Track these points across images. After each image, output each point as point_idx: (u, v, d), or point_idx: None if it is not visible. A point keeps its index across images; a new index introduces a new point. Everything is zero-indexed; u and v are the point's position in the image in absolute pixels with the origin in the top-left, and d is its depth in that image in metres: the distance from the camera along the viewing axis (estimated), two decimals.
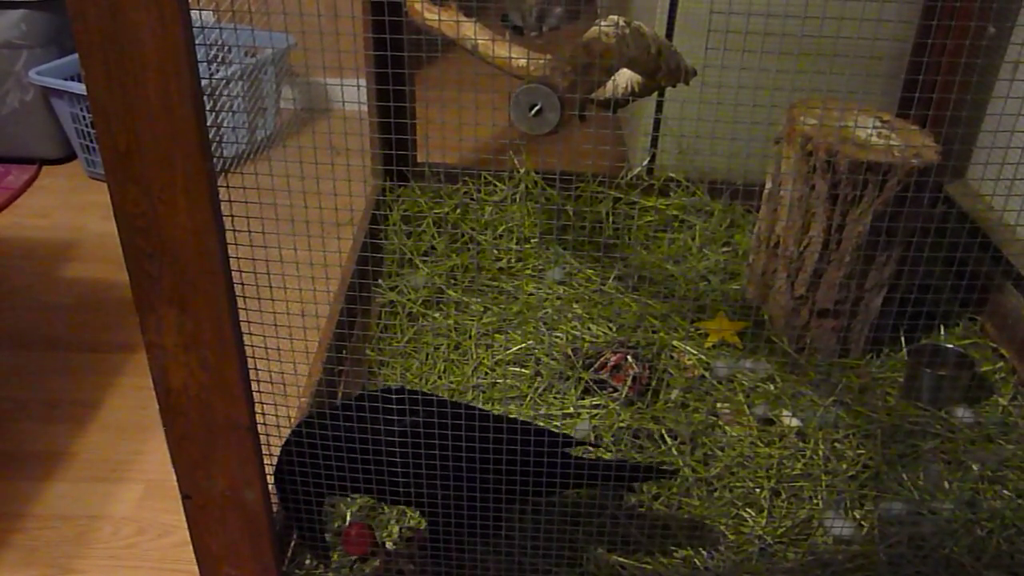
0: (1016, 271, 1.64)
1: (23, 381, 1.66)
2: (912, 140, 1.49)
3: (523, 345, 1.56)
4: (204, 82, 0.82)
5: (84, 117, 2.28)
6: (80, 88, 2.23)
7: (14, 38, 2.27)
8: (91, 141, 2.32)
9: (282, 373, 1.05)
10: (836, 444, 1.38)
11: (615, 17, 1.19)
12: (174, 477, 1.02)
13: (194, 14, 0.79)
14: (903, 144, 1.47)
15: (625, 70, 1.39)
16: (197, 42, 0.79)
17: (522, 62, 1.29)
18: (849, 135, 1.48)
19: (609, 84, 1.42)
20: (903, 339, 1.61)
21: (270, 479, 1.06)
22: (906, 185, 1.42)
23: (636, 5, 2.30)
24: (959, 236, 1.75)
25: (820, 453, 1.36)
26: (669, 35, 1.92)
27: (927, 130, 1.53)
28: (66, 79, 2.27)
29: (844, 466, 1.34)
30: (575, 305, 1.67)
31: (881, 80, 1.95)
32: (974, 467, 1.34)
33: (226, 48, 2.37)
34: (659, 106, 1.99)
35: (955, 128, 1.75)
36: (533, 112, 0.86)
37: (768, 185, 1.61)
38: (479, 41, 1.38)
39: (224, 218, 0.89)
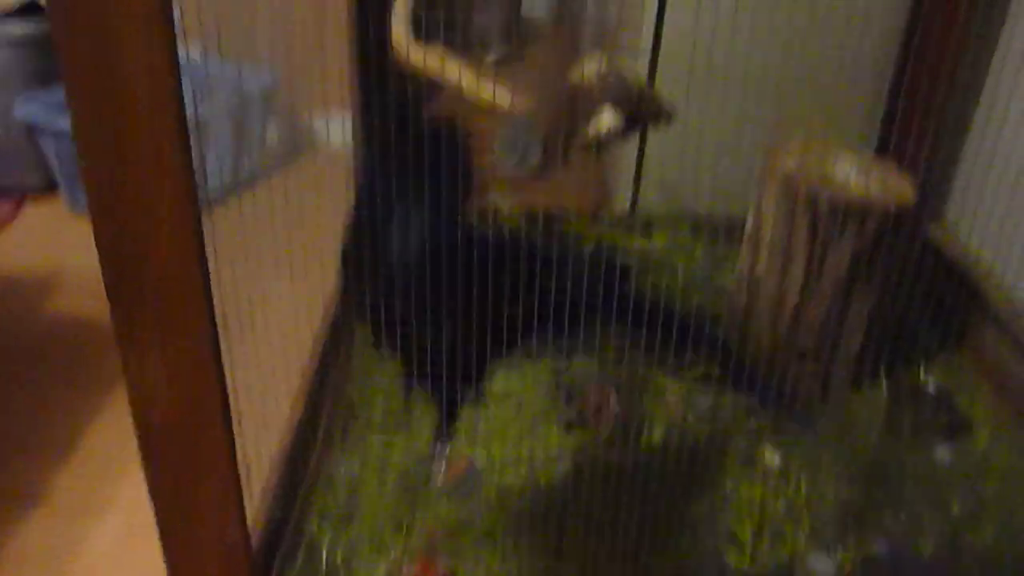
0: (994, 310, 1.66)
1: (0, 417, 1.64)
2: (890, 180, 1.51)
3: (506, 379, 1.56)
4: (190, 119, 0.83)
5: (68, 152, 2.28)
6: (64, 123, 2.23)
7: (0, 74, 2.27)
8: (74, 176, 2.31)
9: (264, 411, 1.04)
10: (818, 483, 1.38)
11: (598, 59, 1.21)
12: (153, 515, 1.01)
13: (181, 50, 0.79)
14: (881, 185, 1.49)
15: (607, 111, 1.40)
16: (184, 79, 0.80)
17: (506, 102, 1.31)
18: (829, 175, 1.50)
19: (592, 125, 1.43)
20: (884, 377, 1.62)
21: (250, 517, 1.05)
22: (885, 225, 1.44)
23: (618, 48, 2.33)
24: (937, 275, 1.77)
25: (802, 492, 1.36)
26: (651, 77, 1.95)
27: (904, 171, 1.55)
28: (51, 115, 2.27)
29: (826, 505, 1.34)
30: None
31: (859, 122, 1.98)
32: (955, 506, 1.35)
33: (212, 84, 2.38)
34: (641, 146, 2.01)
35: (932, 169, 1.78)
36: (516, 153, 0.87)
37: (749, 225, 1.62)
38: (463, 81, 1.40)
39: (208, 255, 0.89)
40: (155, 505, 1.00)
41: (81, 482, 1.51)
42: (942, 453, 1.46)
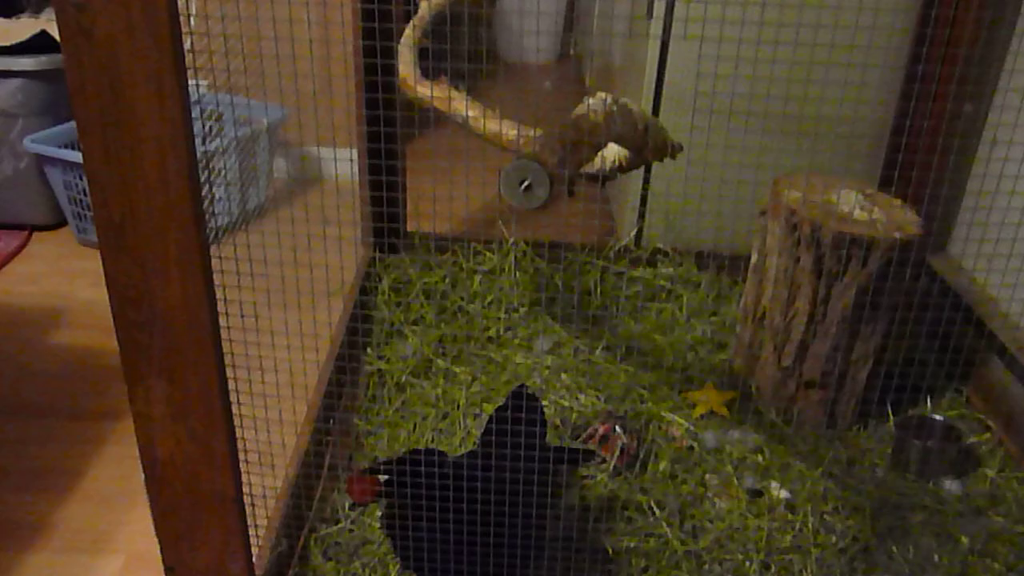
0: (1000, 343, 1.66)
1: (6, 449, 1.64)
2: (894, 214, 1.51)
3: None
4: (198, 153, 0.84)
5: (77, 184, 2.30)
6: (73, 156, 2.25)
7: (10, 107, 2.30)
8: (83, 208, 2.33)
9: (269, 443, 1.04)
10: (825, 516, 1.37)
11: (603, 95, 1.22)
12: (157, 549, 1.01)
13: (190, 85, 0.81)
14: (886, 218, 1.49)
15: (613, 145, 1.42)
16: (193, 114, 0.81)
17: (512, 137, 1.32)
18: (833, 209, 1.51)
19: (597, 159, 1.44)
20: (890, 411, 1.61)
21: (255, 551, 1.05)
22: (889, 258, 1.44)
23: (623, 83, 2.36)
24: (943, 308, 1.77)
25: (809, 526, 1.35)
26: (655, 112, 1.97)
27: (908, 205, 1.56)
28: (60, 147, 2.30)
29: (833, 539, 1.33)
30: (563, 375, 1.67)
31: (862, 157, 2.00)
32: (963, 540, 1.34)
33: (221, 119, 2.40)
34: (646, 180, 2.02)
35: (935, 203, 1.79)
36: (523, 187, 0.88)
37: (754, 257, 1.63)
38: (469, 115, 1.41)
39: (215, 288, 0.90)
40: (160, 538, 1.00)
41: (85, 514, 1.50)
42: (950, 486, 1.45)
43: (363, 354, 1.74)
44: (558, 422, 1.51)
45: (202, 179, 0.85)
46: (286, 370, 1.07)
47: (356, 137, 1.84)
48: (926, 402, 1.66)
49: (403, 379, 1.66)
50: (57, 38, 0.75)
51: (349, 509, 1.36)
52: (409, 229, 2.08)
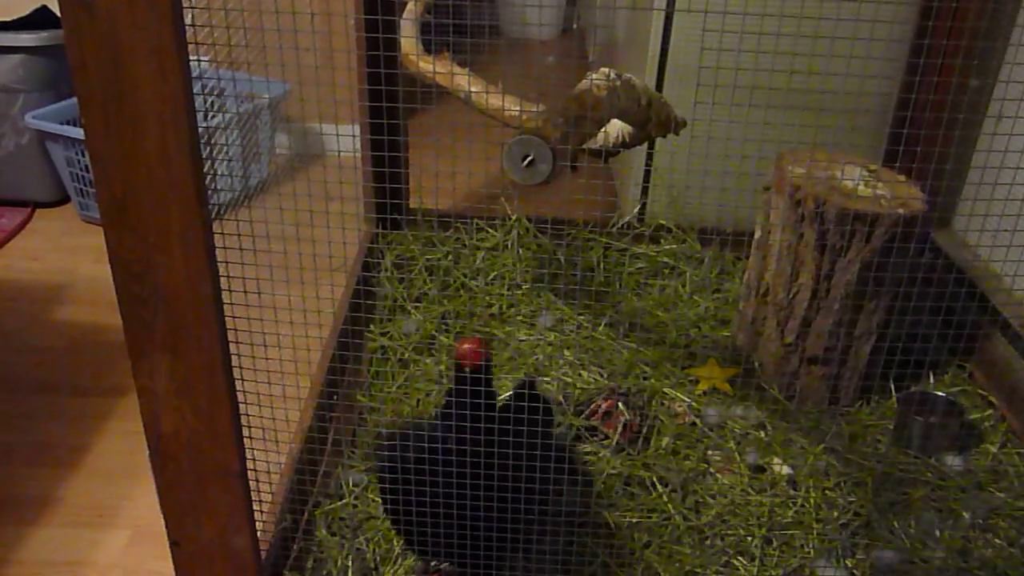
0: (1003, 319, 1.65)
1: (11, 424, 1.65)
2: (898, 190, 1.51)
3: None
4: (200, 129, 0.83)
5: (79, 161, 2.29)
6: (75, 132, 2.25)
7: (11, 82, 2.29)
8: (85, 185, 2.33)
9: (273, 419, 1.05)
10: (827, 492, 1.37)
11: (606, 70, 1.21)
12: (162, 523, 1.01)
13: (191, 61, 0.80)
14: (890, 194, 1.49)
15: (616, 121, 1.41)
16: (194, 89, 0.81)
17: (515, 112, 1.31)
18: (837, 185, 1.50)
19: (600, 135, 1.44)
20: (892, 386, 1.61)
21: (259, 525, 1.06)
22: (893, 234, 1.44)
23: (626, 58, 2.34)
24: (946, 284, 1.76)
25: (811, 501, 1.36)
26: (659, 87, 1.95)
27: (913, 180, 1.55)
28: (62, 123, 2.29)
29: (835, 514, 1.33)
30: (566, 351, 1.67)
31: (867, 132, 1.98)
32: (965, 515, 1.34)
33: (222, 94, 2.39)
34: (649, 156, 2.02)
35: (940, 178, 1.78)
36: (526, 163, 0.87)
37: (757, 233, 1.63)
38: (472, 91, 1.41)
39: (218, 264, 0.90)
40: (164, 513, 1.01)
41: (90, 490, 1.51)
42: (952, 462, 1.45)
43: (366, 330, 1.74)
44: (561, 397, 1.52)
45: (204, 154, 0.84)
46: (289, 346, 1.08)
47: (358, 112, 1.83)
48: (929, 378, 1.66)
49: (406, 355, 1.66)
50: (58, 13, 0.75)
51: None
52: (411, 205, 2.07)
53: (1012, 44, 1.75)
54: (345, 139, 1.78)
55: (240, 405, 0.97)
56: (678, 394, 1.56)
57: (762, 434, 1.49)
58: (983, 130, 1.81)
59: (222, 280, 0.91)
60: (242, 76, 2.38)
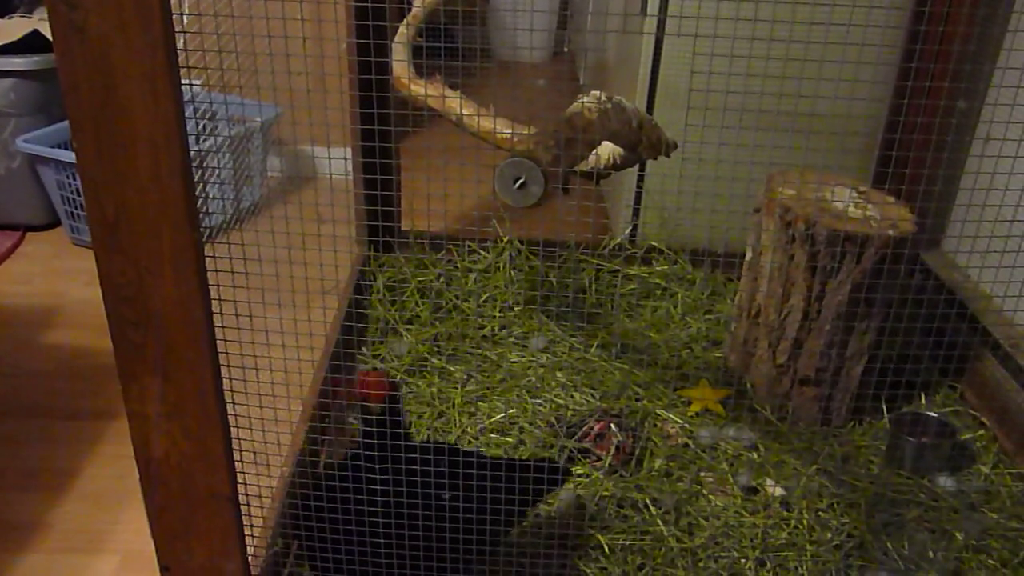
0: (994, 339, 1.66)
1: (0, 449, 1.64)
2: (888, 211, 1.52)
3: (506, 413, 1.56)
4: (192, 152, 0.83)
5: (70, 184, 2.29)
6: (66, 156, 2.24)
7: (2, 106, 2.29)
8: (76, 208, 2.33)
9: (264, 442, 1.04)
10: (820, 513, 1.37)
11: (597, 92, 1.22)
12: (152, 548, 1.00)
13: (184, 84, 0.80)
14: (880, 215, 1.49)
15: (607, 143, 1.42)
16: (186, 113, 0.81)
17: (506, 135, 1.32)
18: (827, 206, 1.51)
19: (592, 157, 1.44)
20: (884, 407, 1.61)
21: (250, 551, 1.05)
22: (883, 255, 1.44)
23: (617, 81, 2.36)
24: (937, 305, 1.77)
25: (805, 522, 1.35)
26: (649, 109, 1.97)
27: (902, 201, 1.56)
28: (53, 147, 2.29)
29: (829, 535, 1.33)
30: (558, 373, 1.67)
31: (856, 154, 2.00)
32: (958, 536, 1.34)
33: (214, 117, 2.40)
34: (640, 178, 2.02)
35: (929, 199, 1.79)
36: (517, 185, 0.88)
37: (748, 254, 1.63)
38: (464, 113, 1.41)
39: (209, 287, 0.89)
40: (155, 537, 1.00)
41: (81, 514, 1.50)
42: (944, 483, 1.45)
43: (358, 353, 1.74)
44: (553, 419, 1.51)
45: (196, 177, 0.84)
46: (281, 369, 1.07)
47: (350, 135, 1.83)
48: (920, 398, 1.66)
49: (398, 377, 1.66)
50: (50, 38, 0.75)
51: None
52: (403, 227, 2.07)
53: (999, 67, 1.77)
54: (337, 162, 1.79)
55: (231, 429, 0.97)
56: (671, 415, 1.56)
57: (755, 455, 1.49)
58: (971, 151, 1.82)
59: (213, 303, 0.90)
60: (234, 99, 2.39)
